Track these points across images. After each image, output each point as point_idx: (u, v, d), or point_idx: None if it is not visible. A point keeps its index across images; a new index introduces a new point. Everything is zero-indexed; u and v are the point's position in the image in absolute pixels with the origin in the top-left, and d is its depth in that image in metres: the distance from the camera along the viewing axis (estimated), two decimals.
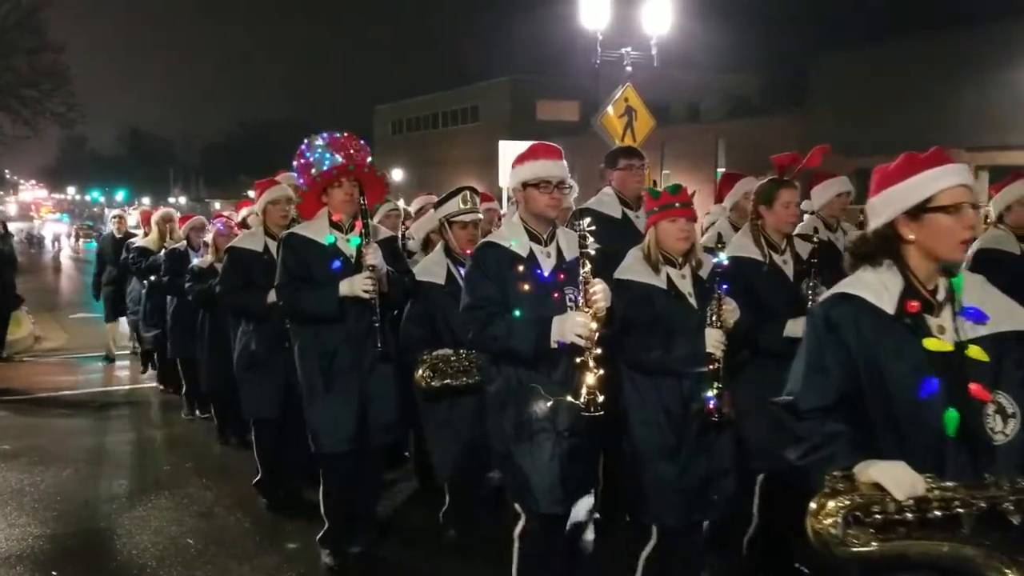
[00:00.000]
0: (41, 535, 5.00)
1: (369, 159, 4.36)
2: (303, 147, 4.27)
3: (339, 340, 4.24)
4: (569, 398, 3.24)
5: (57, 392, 9.05)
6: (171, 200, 61.03)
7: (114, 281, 10.17)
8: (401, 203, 7.39)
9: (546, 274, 3.48)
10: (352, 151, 4.25)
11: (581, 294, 3.26)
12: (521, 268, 3.44)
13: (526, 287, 3.42)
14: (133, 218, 13.29)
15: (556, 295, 3.42)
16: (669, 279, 3.54)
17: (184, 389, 7.91)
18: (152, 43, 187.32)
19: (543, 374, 3.39)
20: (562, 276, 3.48)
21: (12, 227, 16.30)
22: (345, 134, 4.32)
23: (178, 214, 9.04)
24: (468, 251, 4.05)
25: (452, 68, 75.92)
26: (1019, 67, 22.22)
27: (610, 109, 11.42)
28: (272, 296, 4.66)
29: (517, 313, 3.38)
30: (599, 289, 3.26)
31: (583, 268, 3.26)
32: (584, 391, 3.15)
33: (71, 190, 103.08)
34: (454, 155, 46.17)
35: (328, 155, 4.19)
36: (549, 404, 3.36)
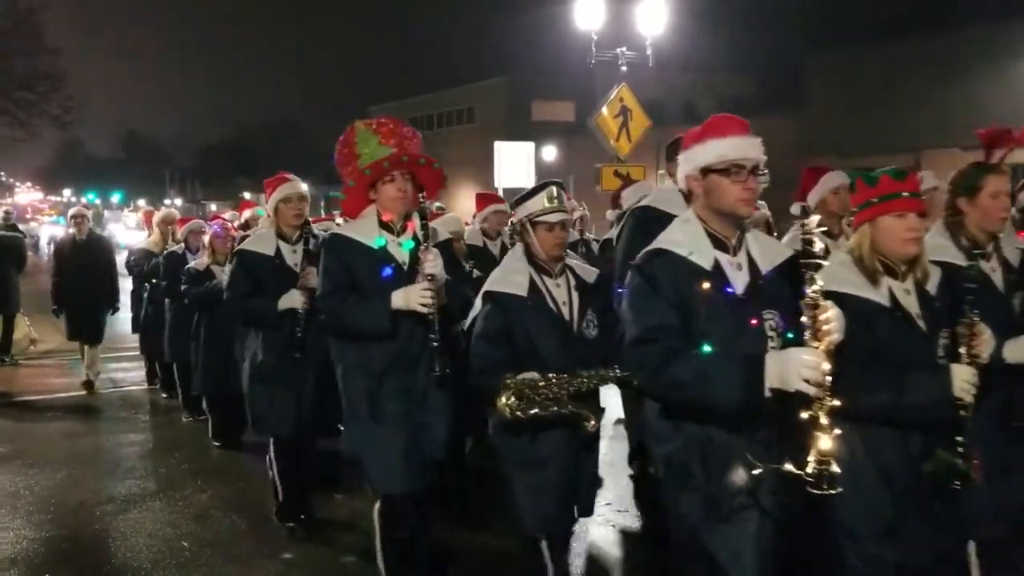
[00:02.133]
0: (36, 538, 4.98)
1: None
2: (346, 135, 3.76)
3: (388, 361, 3.68)
4: (787, 466, 2.39)
5: (52, 395, 9.03)
6: (167, 202, 60.88)
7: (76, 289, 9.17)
8: None
9: (739, 292, 2.64)
10: (404, 139, 3.72)
11: (810, 321, 2.38)
12: (707, 285, 2.60)
13: (716, 312, 2.59)
14: (132, 219, 13.29)
15: (754, 321, 2.60)
16: (892, 295, 2.74)
17: (181, 393, 7.85)
18: (149, 46, 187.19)
19: (744, 432, 2.57)
20: (756, 295, 2.65)
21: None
22: (390, 120, 3.81)
23: (178, 215, 8.93)
24: (555, 255, 3.57)
25: (448, 69, 75.97)
26: (1014, 66, 22.28)
27: (605, 109, 11.44)
28: (283, 303, 4.57)
29: (707, 348, 2.54)
30: (833, 315, 2.39)
31: (810, 286, 2.37)
32: (813, 458, 2.31)
33: (67, 192, 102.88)
34: (450, 156, 46.05)
35: (376, 144, 3.68)
36: (756, 473, 2.50)
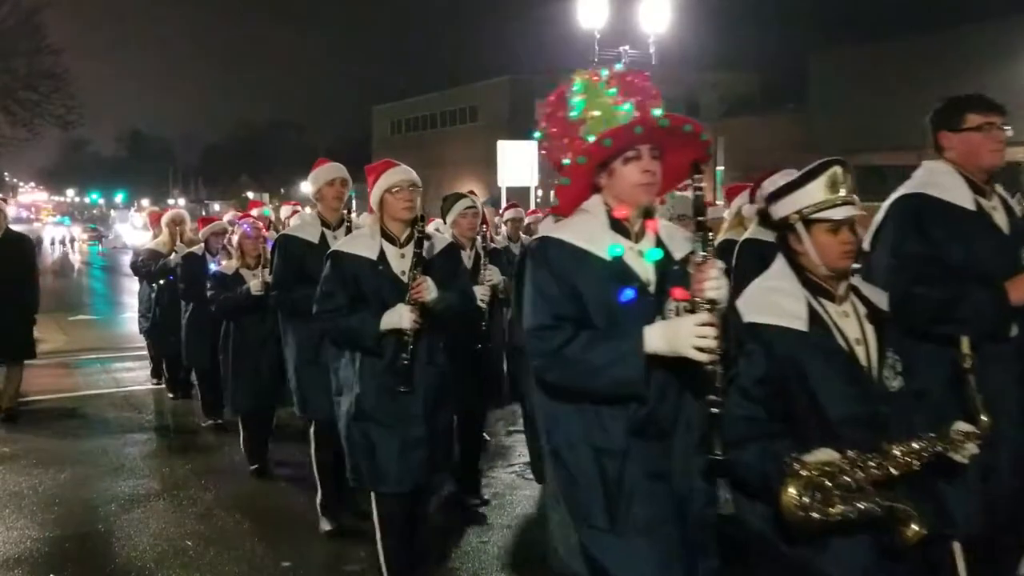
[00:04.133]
0: (39, 538, 4.98)
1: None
2: (556, 95, 2.60)
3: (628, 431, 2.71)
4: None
5: (56, 394, 9.04)
6: (171, 201, 61.02)
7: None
8: None
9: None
10: (648, 96, 2.54)
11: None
12: None
13: None
14: (139, 219, 13.24)
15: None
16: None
17: (200, 397, 7.66)
18: (153, 45, 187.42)
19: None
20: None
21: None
22: (628, 70, 2.62)
23: (187, 216, 8.79)
24: (843, 267, 2.60)
25: (450, 68, 76.00)
26: (1017, 64, 22.23)
27: None
28: (388, 321, 3.72)
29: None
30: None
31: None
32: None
33: (70, 192, 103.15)
34: (453, 155, 46.18)
35: (608, 102, 2.50)
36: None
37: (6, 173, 78.23)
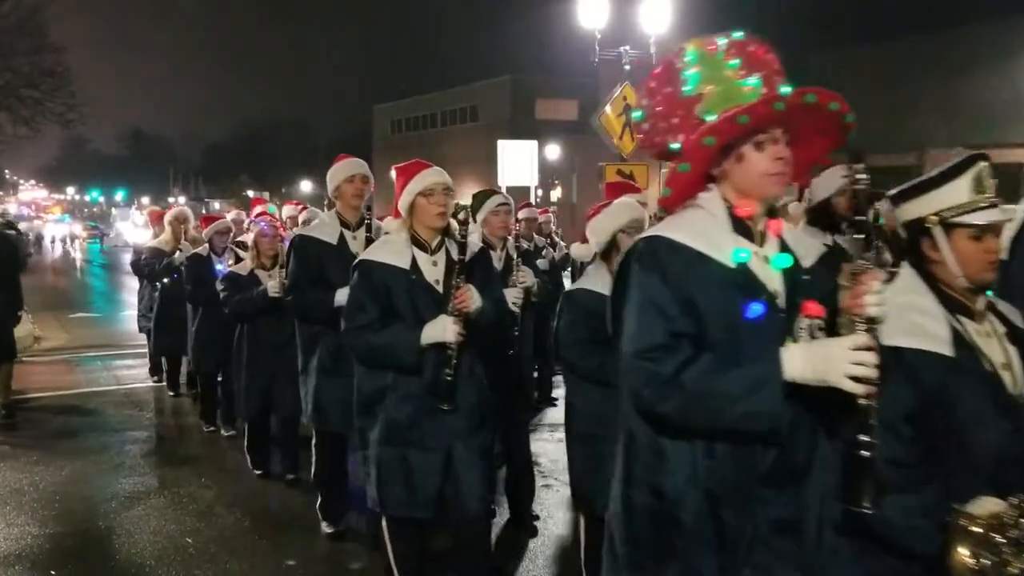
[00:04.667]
0: (40, 534, 5.00)
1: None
2: (663, 70, 2.17)
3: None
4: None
5: (56, 391, 9.05)
6: (171, 200, 61.03)
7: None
8: None
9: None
10: (772, 71, 2.15)
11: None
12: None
13: None
14: (140, 218, 13.16)
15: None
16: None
17: (201, 403, 7.37)
18: (154, 44, 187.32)
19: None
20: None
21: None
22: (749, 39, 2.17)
23: (191, 214, 8.53)
24: (987, 280, 2.24)
25: (451, 67, 76.00)
26: (1018, 64, 22.21)
27: (608, 108, 11.44)
28: (430, 335, 3.38)
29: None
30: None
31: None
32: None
33: (70, 190, 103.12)
34: (454, 154, 46.11)
35: (730, 77, 2.08)
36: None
37: (7, 171, 78.35)
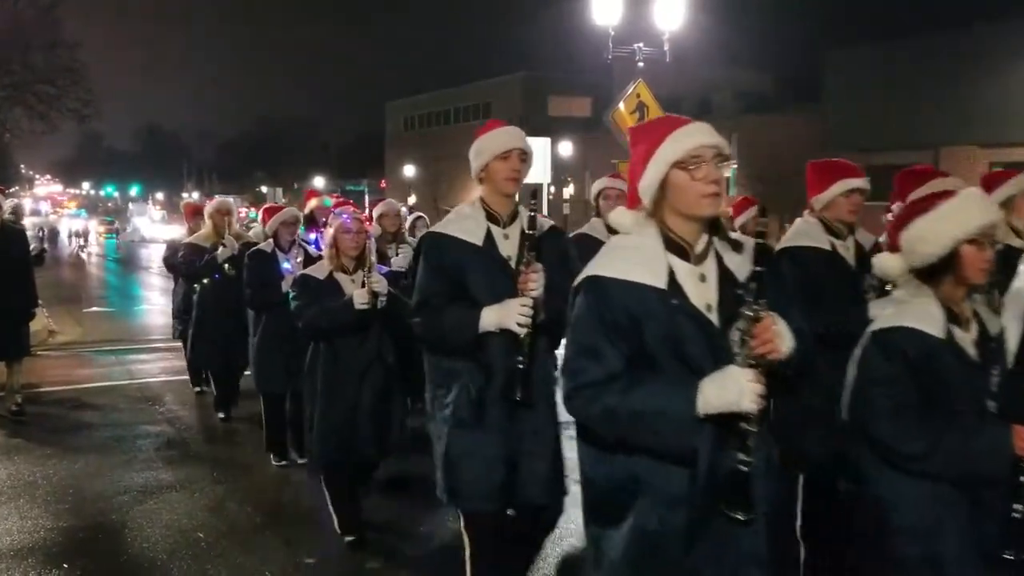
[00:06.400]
0: (53, 527, 5.03)
1: None
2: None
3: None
4: None
5: (70, 385, 9.11)
6: (184, 195, 61.28)
7: None
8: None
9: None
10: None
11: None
12: None
13: None
14: (156, 213, 13.01)
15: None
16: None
17: (267, 431, 6.15)
18: (169, 40, 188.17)
19: None
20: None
21: (26, 222, 16.41)
22: None
23: (235, 204, 7.75)
24: None
25: (464, 65, 75.99)
26: None
27: (622, 105, 11.40)
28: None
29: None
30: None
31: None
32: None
33: (86, 185, 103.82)
34: (466, 151, 45.98)
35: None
36: None
37: (22, 165, 78.87)
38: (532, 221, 3.09)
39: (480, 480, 3.21)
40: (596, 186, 5.08)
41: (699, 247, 2.30)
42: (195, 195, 64.31)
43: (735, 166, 29.54)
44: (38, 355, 10.93)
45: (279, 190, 61.93)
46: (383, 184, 54.86)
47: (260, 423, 6.30)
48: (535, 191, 3.22)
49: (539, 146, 20.45)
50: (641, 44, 12.94)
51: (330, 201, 6.83)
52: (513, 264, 3.16)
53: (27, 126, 37.47)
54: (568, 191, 34.86)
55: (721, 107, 32.70)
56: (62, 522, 5.12)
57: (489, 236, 3.22)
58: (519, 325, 2.97)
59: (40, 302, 8.34)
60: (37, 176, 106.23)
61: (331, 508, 4.71)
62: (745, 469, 2.10)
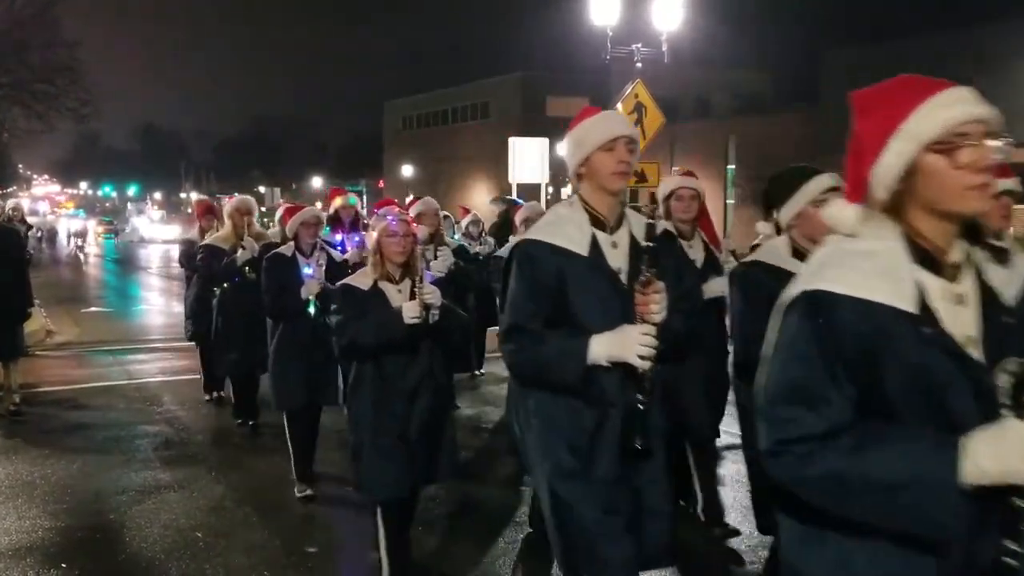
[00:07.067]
0: (51, 527, 5.03)
1: None
2: None
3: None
4: None
5: (68, 385, 9.10)
6: (182, 195, 61.25)
7: None
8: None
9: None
10: None
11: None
12: None
13: None
14: (155, 213, 12.89)
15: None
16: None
17: (293, 447, 5.55)
18: (167, 40, 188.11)
19: None
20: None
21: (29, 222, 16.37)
22: None
23: (253, 203, 7.18)
24: None
25: (462, 65, 76.05)
26: None
27: (620, 106, 11.40)
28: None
29: None
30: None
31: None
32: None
33: (83, 185, 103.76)
34: (464, 151, 46.21)
35: None
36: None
37: (20, 165, 78.74)
38: (651, 229, 2.56)
39: (603, 543, 2.62)
40: (666, 186, 4.53)
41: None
42: (193, 195, 64.28)
43: (732, 166, 29.50)
44: (36, 355, 10.92)
45: (277, 190, 61.94)
46: (381, 184, 54.88)
47: (260, 424, 6.30)
48: (652, 194, 2.88)
49: (537, 146, 20.44)
50: (639, 44, 12.97)
51: (355, 200, 6.48)
52: (624, 279, 2.63)
53: (25, 125, 37.54)
54: (566, 191, 34.89)
55: (718, 107, 32.74)
56: (60, 522, 5.12)
57: (595, 244, 2.66)
58: (640, 358, 2.46)
59: (37, 302, 8.34)
60: (35, 176, 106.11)
61: (383, 550, 3.95)
62: (1014, 563, 1.54)
